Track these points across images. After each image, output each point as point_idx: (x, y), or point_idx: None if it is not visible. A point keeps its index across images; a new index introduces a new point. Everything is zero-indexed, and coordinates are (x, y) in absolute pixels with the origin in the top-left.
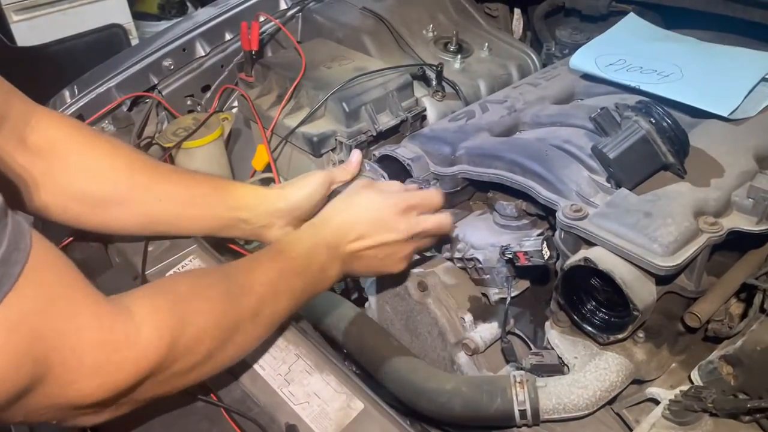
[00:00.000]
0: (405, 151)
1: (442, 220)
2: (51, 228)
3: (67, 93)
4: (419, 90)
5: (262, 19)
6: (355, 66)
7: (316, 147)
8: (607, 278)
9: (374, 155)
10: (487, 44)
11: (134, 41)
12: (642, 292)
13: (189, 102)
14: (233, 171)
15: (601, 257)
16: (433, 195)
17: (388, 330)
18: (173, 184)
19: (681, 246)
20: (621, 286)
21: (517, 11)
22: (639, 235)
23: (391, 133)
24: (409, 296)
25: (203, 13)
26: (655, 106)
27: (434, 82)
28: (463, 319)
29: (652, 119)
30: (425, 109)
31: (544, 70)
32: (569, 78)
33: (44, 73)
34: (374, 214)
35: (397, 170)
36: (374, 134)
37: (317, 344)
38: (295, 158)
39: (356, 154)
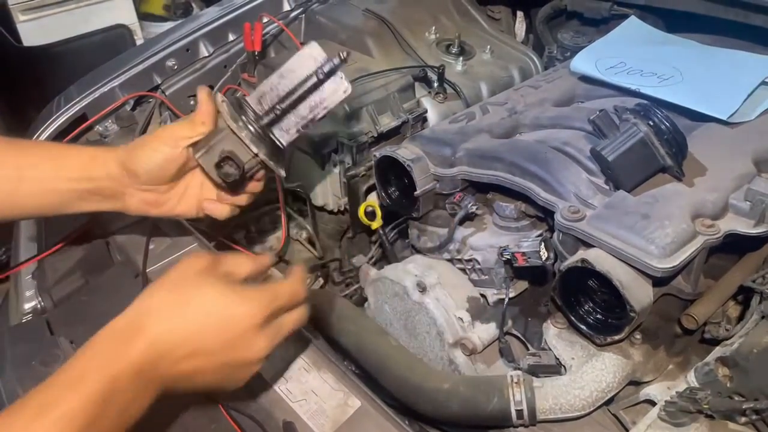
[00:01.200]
0: (405, 152)
1: (302, 315)
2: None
3: (72, 91)
4: (420, 91)
5: (265, 20)
6: (357, 67)
7: (318, 148)
8: (604, 280)
9: (375, 156)
10: (489, 46)
11: (139, 42)
12: (639, 293)
13: (192, 102)
14: None
15: (599, 259)
16: (298, 288)
17: (387, 329)
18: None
19: (678, 248)
20: (618, 288)
21: (519, 14)
22: (636, 237)
23: (393, 134)
24: (408, 296)
25: (207, 14)
26: (653, 108)
27: (436, 84)
28: (461, 319)
29: (650, 122)
30: (426, 111)
31: (545, 73)
32: (570, 80)
33: (50, 73)
34: (220, 329)
35: (397, 172)
36: (375, 135)
37: (315, 342)
38: (296, 158)
39: (202, 92)
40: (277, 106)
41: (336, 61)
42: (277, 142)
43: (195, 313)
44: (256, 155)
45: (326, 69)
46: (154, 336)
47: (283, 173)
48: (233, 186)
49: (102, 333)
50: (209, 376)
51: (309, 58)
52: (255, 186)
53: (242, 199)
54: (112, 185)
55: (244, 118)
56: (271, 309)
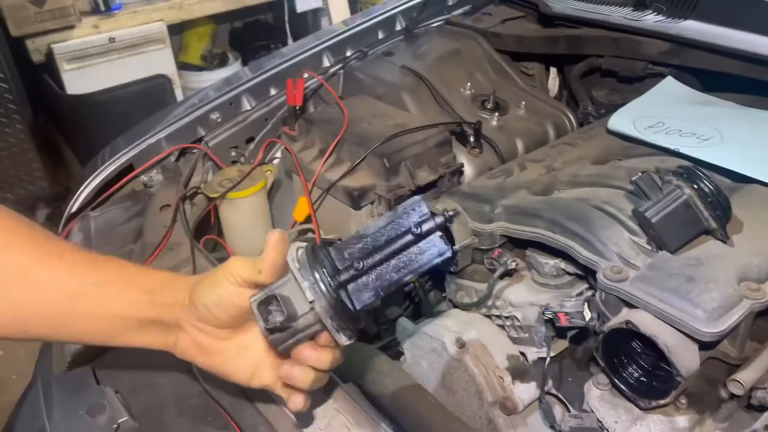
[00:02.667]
0: (444, 206)
1: None
2: None
3: (119, 142)
4: (457, 146)
5: (306, 75)
6: (395, 123)
7: (356, 200)
8: (649, 342)
9: None
10: (523, 102)
11: (178, 91)
12: (686, 358)
13: (234, 153)
14: (274, 222)
15: (644, 321)
16: None
17: (424, 385)
18: (64, 268)
19: (724, 312)
20: (664, 352)
21: (552, 70)
22: (681, 300)
23: (429, 188)
24: (446, 352)
25: (250, 70)
26: (697, 171)
27: (472, 139)
28: (501, 378)
29: (694, 185)
30: (462, 166)
31: (581, 130)
32: (607, 138)
33: (92, 121)
34: None
35: None
36: (412, 189)
37: (356, 398)
38: (335, 210)
39: (272, 237)
40: (358, 263)
41: (439, 220)
42: (349, 305)
43: None
44: (312, 308)
45: (425, 227)
46: None
47: (344, 341)
48: (277, 341)
49: None
50: None
51: (409, 211)
52: (325, 355)
53: (324, 361)
54: (174, 315)
55: (318, 270)
56: None
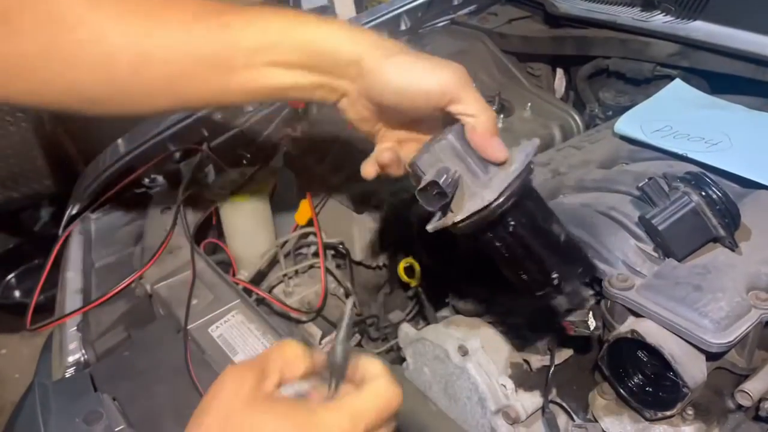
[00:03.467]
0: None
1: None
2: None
3: (120, 143)
4: None
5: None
6: None
7: (359, 203)
8: (655, 352)
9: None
10: (529, 104)
11: None
12: (692, 368)
13: (236, 155)
14: (276, 224)
15: (650, 330)
16: (391, 396)
17: (426, 393)
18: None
19: (733, 322)
20: (670, 362)
21: (559, 71)
22: (689, 309)
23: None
24: (449, 360)
25: None
26: (705, 177)
27: None
28: (505, 386)
29: (702, 192)
30: None
31: (588, 133)
32: (613, 142)
33: (96, 119)
34: None
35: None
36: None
37: None
38: (337, 214)
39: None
40: None
41: None
42: None
43: None
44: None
45: None
46: None
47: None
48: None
49: None
50: None
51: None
52: None
53: None
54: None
55: None
56: None
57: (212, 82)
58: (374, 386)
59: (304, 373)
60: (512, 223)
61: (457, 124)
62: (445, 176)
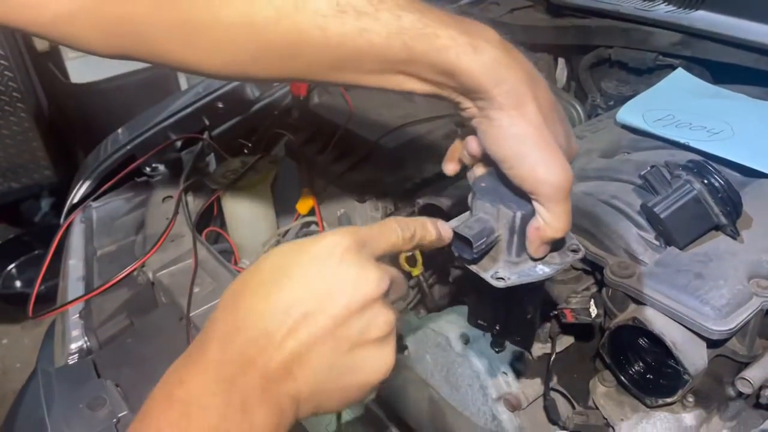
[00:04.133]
0: (449, 200)
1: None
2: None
3: (121, 132)
4: None
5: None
6: (400, 114)
7: (361, 193)
8: (656, 339)
9: (417, 203)
10: None
11: (182, 80)
12: (693, 356)
13: (238, 144)
14: (277, 213)
15: (651, 318)
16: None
17: (428, 380)
18: None
19: (734, 310)
20: (671, 349)
21: (561, 60)
22: (690, 297)
23: (435, 181)
24: (451, 347)
25: None
26: (707, 165)
27: None
28: (506, 373)
29: (704, 180)
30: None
31: (589, 123)
32: (615, 131)
33: (96, 109)
34: (334, 291)
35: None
36: (418, 181)
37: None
38: (339, 203)
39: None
40: None
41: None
42: None
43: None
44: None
45: None
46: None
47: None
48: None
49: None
50: (324, 358)
51: None
52: None
53: None
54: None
55: None
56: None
57: (339, 77)
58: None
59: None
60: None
61: (530, 207)
62: (484, 239)
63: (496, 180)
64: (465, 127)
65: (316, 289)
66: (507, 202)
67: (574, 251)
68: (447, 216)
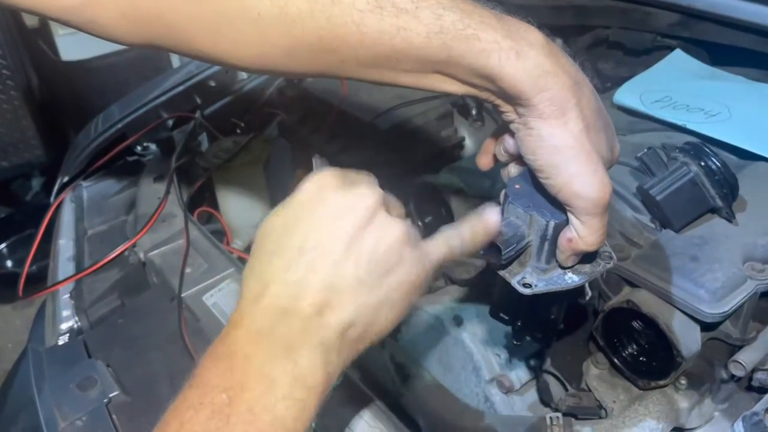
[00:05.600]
0: (445, 182)
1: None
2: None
3: (113, 110)
4: (458, 119)
5: None
6: (395, 94)
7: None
8: (650, 322)
9: (413, 184)
10: None
11: (174, 58)
12: (687, 338)
13: (230, 123)
14: (270, 193)
15: (645, 300)
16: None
17: (420, 362)
18: None
19: (728, 293)
20: (665, 332)
21: (558, 41)
22: (685, 280)
23: (430, 162)
24: (444, 329)
25: None
26: (704, 147)
27: (474, 112)
28: (499, 355)
29: (701, 162)
30: (464, 139)
31: None
32: (612, 112)
33: (87, 87)
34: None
35: (435, 202)
36: (413, 162)
37: (353, 377)
38: None
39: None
40: None
41: None
42: None
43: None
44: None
45: None
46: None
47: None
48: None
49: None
50: (351, 278)
51: None
52: None
53: None
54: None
55: None
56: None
57: (373, 75)
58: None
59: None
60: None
61: (564, 217)
62: (514, 246)
63: (531, 183)
64: (502, 124)
65: (318, 223)
66: (540, 209)
67: (606, 260)
68: (441, 197)
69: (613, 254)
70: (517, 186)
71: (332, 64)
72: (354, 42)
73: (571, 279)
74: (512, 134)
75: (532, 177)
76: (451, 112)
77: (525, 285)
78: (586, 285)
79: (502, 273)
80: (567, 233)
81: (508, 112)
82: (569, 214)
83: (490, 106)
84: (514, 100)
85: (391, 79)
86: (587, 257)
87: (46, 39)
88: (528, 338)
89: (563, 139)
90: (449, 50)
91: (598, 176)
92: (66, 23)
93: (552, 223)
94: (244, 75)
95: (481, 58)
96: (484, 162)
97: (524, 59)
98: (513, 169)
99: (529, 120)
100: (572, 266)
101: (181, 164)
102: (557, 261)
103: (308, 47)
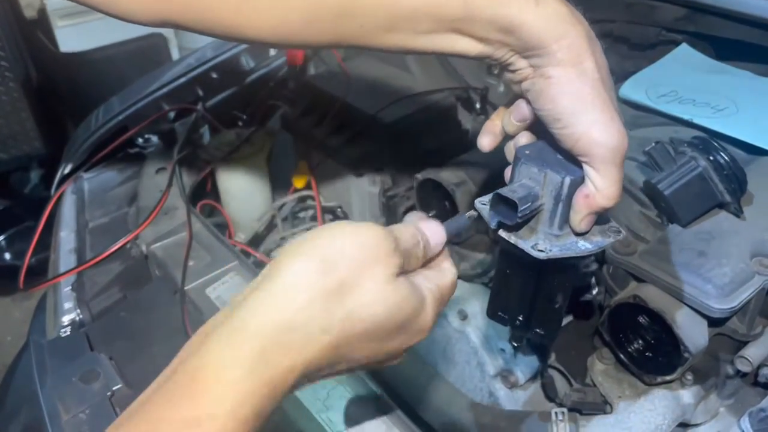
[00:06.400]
0: (449, 175)
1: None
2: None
3: (114, 102)
4: (462, 113)
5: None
6: (399, 87)
7: (358, 167)
8: (656, 317)
9: (417, 178)
10: None
11: (174, 50)
12: (694, 334)
13: (232, 115)
14: (273, 186)
15: (652, 295)
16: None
17: (424, 357)
18: None
19: (736, 288)
20: (672, 327)
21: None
22: (692, 275)
23: (433, 156)
24: (448, 323)
25: None
26: (712, 142)
27: (478, 106)
28: (504, 350)
29: (709, 156)
30: (468, 132)
31: None
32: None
33: (86, 79)
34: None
35: (439, 195)
36: (417, 156)
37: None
38: (336, 177)
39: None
40: None
41: None
42: None
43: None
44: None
45: None
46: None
47: None
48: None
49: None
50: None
51: None
52: None
53: None
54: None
55: None
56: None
57: (391, 40)
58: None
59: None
60: (534, 267)
61: (580, 173)
62: (529, 204)
63: (541, 149)
64: (512, 95)
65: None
66: (555, 168)
67: (615, 233)
68: (446, 191)
69: (620, 229)
70: (527, 151)
71: (351, 30)
72: (373, 4)
73: (585, 246)
74: (524, 100)
75: (541, 146)
76: (454, 105)
77: (539, 250)
78: (593, 280)
79: (513, 239)
80: (584, 190)
81: (522, 69)
82: (586, 168)
83: (502, 70)
84: (532, 50)
85: (408, 44)
86: (598, 222)
87: (45, 30)
88: (530, 336)
89: (582, 86)
90: (468, 4)
91: (616, 124)
92: (83, 3)
93: (567, 179)
94: (246, 67)
95: (500, 8)
96: (486, 142)
97: (543, 6)
98: (522, 140)
99: (547, 69)
100: (584, 234)
101: (182, 156)
102: (570, 227)
103: (329, 11)
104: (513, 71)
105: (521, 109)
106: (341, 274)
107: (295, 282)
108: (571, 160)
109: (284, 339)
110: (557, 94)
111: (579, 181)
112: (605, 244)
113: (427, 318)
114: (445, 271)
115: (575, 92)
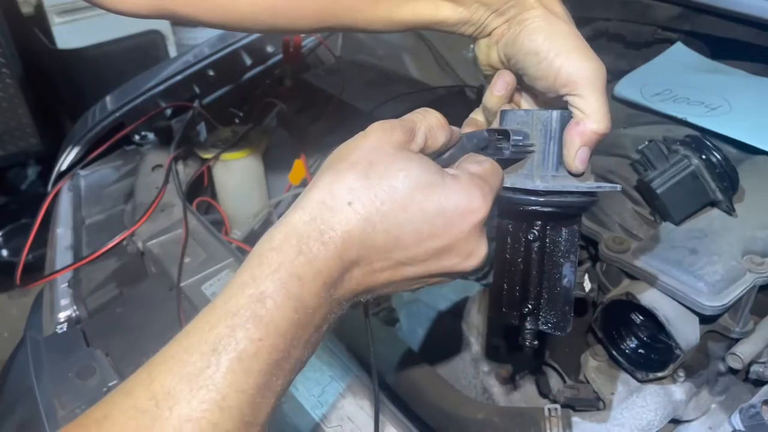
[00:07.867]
0: None
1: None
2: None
3: (110, 99)
4: (458, 110)
5: (303, 34)
6: (394, 85)
7: None
8: (649, 315)
9: None
10: None
11: (172, 47)
12: (686, 331)
13: (229, 113)
14: (269, 184)
15: (644, 293)
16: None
17: (420, 353)
18: None
19: (727, 286)
20: (664, 324)
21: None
22: (684, 272)
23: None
24: (443, 320)
25: None
26: (705, 141)
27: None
28: (497, 347)
29: (702, 155)
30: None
31: None
32: (612, 105)
33: (83, 76)
34: (433, 231)
35: None
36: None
37: (352, 367)
38: None
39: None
40: None
41: None
42: None
43: (402, 210)
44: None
45: None
46: (350, 244)
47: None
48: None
49: (275, 237)
50: (414, 284)
51: None
52: None
53: None
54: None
55: None
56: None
57: (376, 11)
58: (491, 164)
59: (443, 144)
60: (534, 231)
61: (567, 111)
62: (520, 138)
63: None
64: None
65: (405, 234)
66: (541, 109)
67: (612, 185)
68: None
69: (617, 186)
70: (508, 113)
71: (338, 6)
72: None
73: (583, 185)
74: (503, 68)
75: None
76: (450, 102)
77: (536, 195)
78: (586, 277)
79: (509, 181)
80: (572, 122)
81: (498, 27)
82: (570, 99)
83: (479, 41)
84: (507, 4)
85: (393, 15)
86: (593, 177)
87: (42, 27)
88: (542, 328)
89: (556, 23)
90: None
91: (592, 53)
92: None
93: (555, 113)
94: (243, 64)
95: None
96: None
97: None
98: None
99: (522, 14)
100: (580, 176)
101: (179, 153)
102: (567, 167)
103: None
104: (489, 34)
105: (501, 76)
106: (352, 158)
107: (316, 182)
108: (554, 105)
109: (318, 216)
110: (534, 31)
111: (567, 116)
112: (602, 187)
113: (473, 198)
114: (480, 159)
115: (550, 28)
